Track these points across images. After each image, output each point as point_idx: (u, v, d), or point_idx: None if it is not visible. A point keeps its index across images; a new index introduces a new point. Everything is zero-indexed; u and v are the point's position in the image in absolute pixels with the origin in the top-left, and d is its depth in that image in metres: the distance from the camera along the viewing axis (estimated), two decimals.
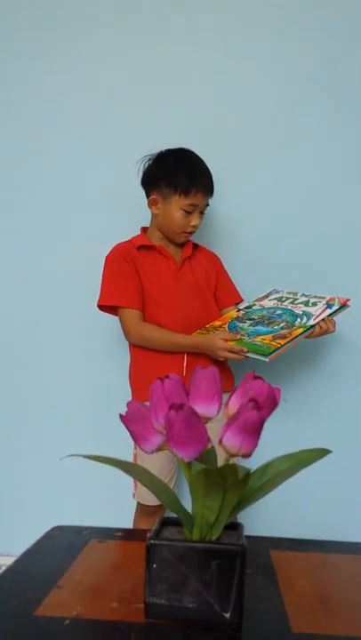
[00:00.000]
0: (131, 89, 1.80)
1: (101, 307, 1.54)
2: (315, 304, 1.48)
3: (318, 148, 1.78)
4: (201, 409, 0.64)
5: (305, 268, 1.77)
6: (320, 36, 1.76)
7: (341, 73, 1.76)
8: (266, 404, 0.62)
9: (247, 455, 0.61)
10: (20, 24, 1.83)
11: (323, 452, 0.67)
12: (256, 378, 0.64)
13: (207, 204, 1.57)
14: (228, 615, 0.61)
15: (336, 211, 1.78)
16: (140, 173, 1.58)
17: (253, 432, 0.60)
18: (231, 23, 1.77)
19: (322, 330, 1.42)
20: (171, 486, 1.44)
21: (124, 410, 0.65)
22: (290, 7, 1.75)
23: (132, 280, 1.51)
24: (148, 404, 0.65)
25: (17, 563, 0.80)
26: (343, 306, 1.46)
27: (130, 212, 1.73)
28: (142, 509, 1.55)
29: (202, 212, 1.56)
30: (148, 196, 1.56)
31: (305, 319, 1.43)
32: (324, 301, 1.48)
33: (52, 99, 1.83)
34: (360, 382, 1.79)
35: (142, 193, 1.58)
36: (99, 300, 1.53)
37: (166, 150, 1.56)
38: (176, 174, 1.49)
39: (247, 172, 1.79)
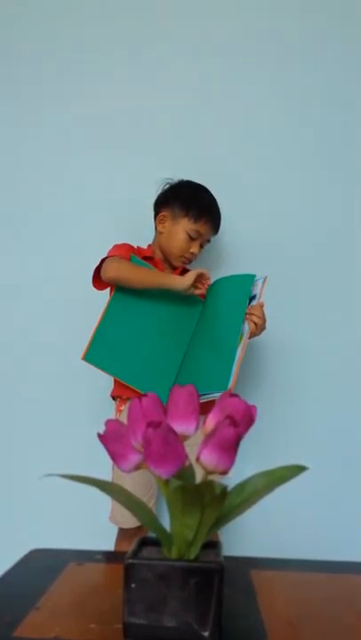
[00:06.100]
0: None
1: (95, 282, 1.54)
2: None
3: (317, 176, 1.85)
4: (179, 427, 0.65)
5: (305, 298, 1.81)
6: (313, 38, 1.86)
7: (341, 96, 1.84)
8: (242, 421, 0.62)
9: (225, 472, 0.62)
10: None
11: (300, 469, 0.68)
12: (232, 396, 0.65)
13: (208, 240, 1.63)
14: (206, 634, 0.61)
15: (336, 239, 1.82)
16: (157, 194, 1.65)
17: (230, 449, 0.60)
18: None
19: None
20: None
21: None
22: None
23: (128, 255, 1.52)
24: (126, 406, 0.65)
25: None
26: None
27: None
28: (122, 533, 1.53)
29: (202, 246, 1.61)
30: (157, 213, 1.63)
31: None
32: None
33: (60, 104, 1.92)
34: (326, 394, 1.82)
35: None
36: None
37: (188, 180, 1.64)
38: (192, 199, 1.58)
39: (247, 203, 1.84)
